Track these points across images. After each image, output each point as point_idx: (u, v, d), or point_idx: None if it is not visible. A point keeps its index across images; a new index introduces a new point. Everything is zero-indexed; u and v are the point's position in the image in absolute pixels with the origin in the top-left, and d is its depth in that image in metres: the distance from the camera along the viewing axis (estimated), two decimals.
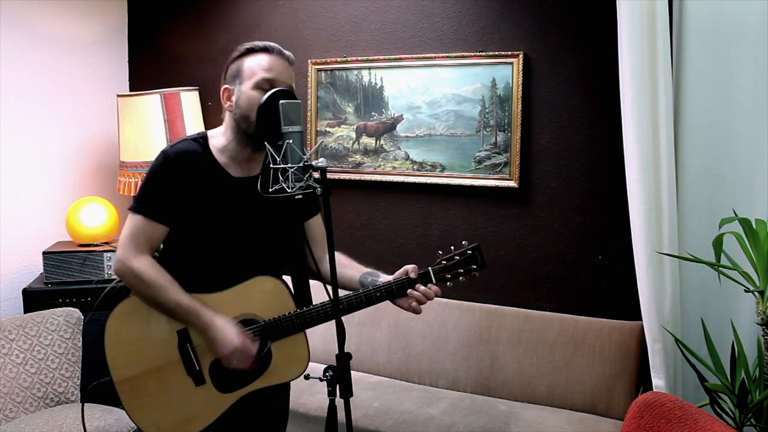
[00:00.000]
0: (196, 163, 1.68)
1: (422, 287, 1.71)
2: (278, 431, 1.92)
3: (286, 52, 1.71)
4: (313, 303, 1.73)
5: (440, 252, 1.78)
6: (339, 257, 1.59)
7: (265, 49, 1.69)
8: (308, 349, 1.74)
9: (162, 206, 1.66)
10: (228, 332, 1.63)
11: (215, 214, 1.69)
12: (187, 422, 1.68)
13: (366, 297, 1.71)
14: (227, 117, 1.73)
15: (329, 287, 1.56)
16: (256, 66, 1.67)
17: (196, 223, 1.68)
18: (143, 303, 1.67)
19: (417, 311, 1.72)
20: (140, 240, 1.66)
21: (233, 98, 1.69)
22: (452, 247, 1.78)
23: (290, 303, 1.72)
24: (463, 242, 1.78)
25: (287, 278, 1.78)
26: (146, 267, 1.64)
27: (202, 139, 1.73)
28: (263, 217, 1.74)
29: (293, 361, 1.73)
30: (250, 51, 1.69)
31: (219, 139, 1.74)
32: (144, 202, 1.67)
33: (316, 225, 1.89)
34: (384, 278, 1.78)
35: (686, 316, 2.35)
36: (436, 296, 1.72)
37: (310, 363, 1.74)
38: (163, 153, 1.69)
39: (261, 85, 1.64)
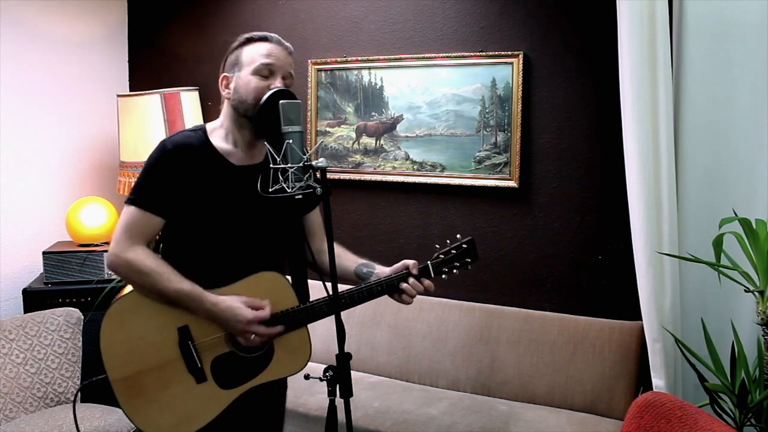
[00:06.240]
0: (196, 154, 1.67)
1: (411, 279, 1.72)
2: (276, 428, 1.92)
3: (285, 42, 1.72)
4: (311, 298, 1.73)
5: (437, 246, 1.81)
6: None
7: (264, 38, 1.70)
8: (310, 343, 1.74)
9: (158, 198, 1.65)
10: (237, 307, 1.62)
11: (218, 204, 1.68)
12: (189, 420, 1.67)
13: (367, 291, 1.72)
14: (225, 106, 1.74)
15: (328, 283, 1.56)
16: (255, 53, 1.67)
17: (199, 214, 1.67)
18: (141, 299, 1.65)
19: (407, 303, 1.75)
20: (134, 232, 1.64)
21: (231, 85, 1.70)
22: (448, 241, 1.81)
23: (293, 298, 1.71)
24: (458, 235, 1.82)
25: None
26: (142, 257, 1.63)
27: (200, 131, 1.73)
28: (266, 206, 1.70)
29: (296, 356, 1.72)
30: (249, 40, 1.70)
31: (218, 130, 1.74)
32: (140, 194, 1.66)
33: (313, 217, 1.90)
34: (379, 269, 1.80)
35: (686, 316, 2.35)
36: (427, 290, 1.75)
37: (309, 362, 1.74)
38: (162, 144, 1.68)
39: (260, 71, 1.65)
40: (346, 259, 1.84)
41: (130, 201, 1.66)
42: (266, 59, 1.66)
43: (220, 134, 1.73)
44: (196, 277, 1.66)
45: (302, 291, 1.75)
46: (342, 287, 1.63)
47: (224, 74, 1.73)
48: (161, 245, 1.75)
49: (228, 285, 1.68)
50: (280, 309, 1.69)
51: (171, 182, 1.65)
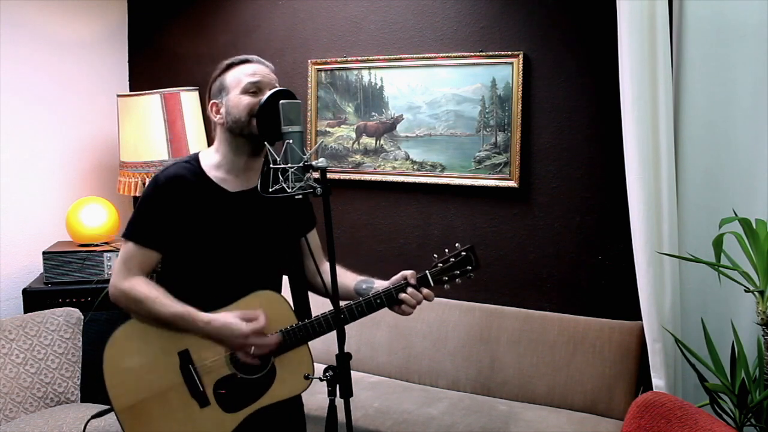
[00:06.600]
0: (189, 185, 1.68)
1: (410, 289, 1.70)
2: None
3: (266, 61, 1.75)
4: (312, 314, 1.72)
5: (435, 255, 1.78)
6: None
7: (245, 60, 1.73)
8: (312, 362, 1.73)
9: (153, 232, 1.66)
10: (232, 322, 1.61)
11: (217, 231, 1.68)
12: None
13: (366, 304, 1.70)
14: (218, 131, 1.74)
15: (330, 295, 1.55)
16: (240, 75, 1.69)
17: (197, 244, 1.67)
18: (140, 327, 1.66)
19: (407, 313, 1.72)
20: (131, 265, 1.66)
21: (222, 110, 1.71)
22: (446, 250, 1.78)
23: (291, 316, 1.70)
24: (456, 244, 1.79)
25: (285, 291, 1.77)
26: (136, 284, 1.64)
27: (193, 161, 1.73)
28: (264, 229, 1.73)
29: (298, 375, 1.70)
30: (230, 66, 1.73)
31: (212, 156, 1.74)
32: (134, 229, 1.68)
33: (312, 239, 1.89)
34: (379, 284, 1.77)
35: (686, 316, 2.35)
36: (426, 299, 1.72)
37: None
38: (154, 179, 1.70)
39: (248, 89, 1.67)
40: (345, 277, 1.82)
41: (127, 236, 1.68)
42: (252, 78, 1.68)
43: (214, 161, 1.73)
44: (195, 302, 1.65)
45: (303, 308, 1.75)
46: (342, 303, 1.63)
47: (212, 101, 1.73)
48: (156, 273, 1.75)
49: (223, 307, 1.68)
50: (278, 327, 1.68)
51: (165, 216, 1.66)
